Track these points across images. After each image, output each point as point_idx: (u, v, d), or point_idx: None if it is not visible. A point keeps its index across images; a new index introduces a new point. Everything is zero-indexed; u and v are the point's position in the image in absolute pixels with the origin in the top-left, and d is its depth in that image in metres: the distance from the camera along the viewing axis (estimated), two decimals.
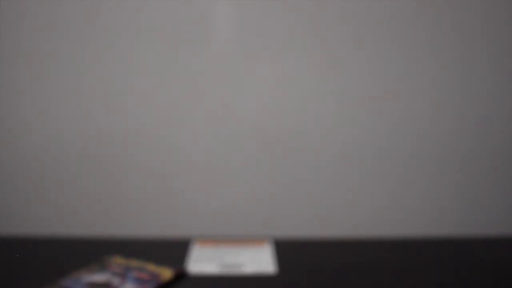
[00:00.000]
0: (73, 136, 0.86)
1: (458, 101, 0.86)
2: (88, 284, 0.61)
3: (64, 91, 0.85)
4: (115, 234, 0.88)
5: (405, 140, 0.86)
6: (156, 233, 0.88)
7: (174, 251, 0.75)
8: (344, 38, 0.84)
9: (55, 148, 0.86)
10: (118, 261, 0.69)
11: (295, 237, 0.88)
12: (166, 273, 0.64)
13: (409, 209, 0.88)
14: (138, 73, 0.84)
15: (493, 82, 0.85)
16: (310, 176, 0.87)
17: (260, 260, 0.71)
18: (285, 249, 0.76)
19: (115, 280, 0.62)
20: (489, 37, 0.84)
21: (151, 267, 0.67)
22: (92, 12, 0.83)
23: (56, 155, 0.86)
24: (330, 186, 0.87)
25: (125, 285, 0.61)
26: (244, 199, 0.87)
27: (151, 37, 0.84)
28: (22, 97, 0.85)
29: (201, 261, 0.71)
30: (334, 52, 0.84)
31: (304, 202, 0.87)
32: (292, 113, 0.85)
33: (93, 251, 0.75)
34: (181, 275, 0.65)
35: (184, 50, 0.84)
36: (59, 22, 0.83)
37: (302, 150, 0.86)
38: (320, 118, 0.85)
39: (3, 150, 0.86)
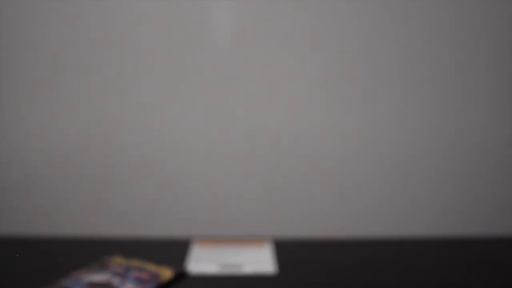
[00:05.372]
0: (73, 136, 0.86)
1: (458, 101, 0.86)
2: (88, 284, 0.61)
3: (65, 91, 0.85)
4: (115, 234, 0.88)
5: (406, 140, 0.86)
6: (156, 233, 0.88)
7: (174, 251, 0.75)
8: (344, 39, 0.84)
9: (55, 148, 0.86)
10: (118, 261, 0.69)
11: (295, 237, 0.88)
12: (166, 273, 0.64)
13: (409, 209, 0.88)
14: (138, 73, 0.84)
15: (493, 84, 0.85)
16: (310, 176, 0.87)
17: (260, 260, 0.71)
18: (285, 249, 0.76)
19: (115, 280, 0.62)
20: (488, 40, 0.84)
21: (151, 267, 0.67)
22: (92, 13, 0.83)
23: (56, 155, 0.86)
24: (330, 186, 0.87)
25: (125, 285, 0.61)
26: (244, 199, 0.87)
27: (151, 38, 0.84)
28: (23, 97, 0.85)
29: (201, 261, 0.71)
30: (335, 53, 0.84)
31: (304, 202, 0.87)
32: (293, 114, 0.85)
33: (93, 251, 0.75)
34: (181, 275, 0.65)
35: (184, 51, 0.84)
36: (61, 24, 0.83)
37: (302, 150, 0.86)
38: (320, 118, 0.85)
39: (4, 150, 0.86)
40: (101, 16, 0.83)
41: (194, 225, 0.88)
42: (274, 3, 0.83)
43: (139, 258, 0.72)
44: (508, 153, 0.87)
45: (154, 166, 0.86)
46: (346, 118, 0.85)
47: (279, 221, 0.87)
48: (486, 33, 0.84)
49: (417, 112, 0.86)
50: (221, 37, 0.84)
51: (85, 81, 0.85)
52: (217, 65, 0.84)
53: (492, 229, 0.88)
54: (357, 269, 0.68)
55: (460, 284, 0.63)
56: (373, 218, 0.88)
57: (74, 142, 0.86)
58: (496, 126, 0.86)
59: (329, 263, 0.70)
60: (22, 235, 0.88)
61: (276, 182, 0.87)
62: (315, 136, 0.86)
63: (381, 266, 0.69)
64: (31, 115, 0.85)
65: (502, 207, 0.88)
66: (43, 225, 0.88)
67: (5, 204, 0.87)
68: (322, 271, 0.67)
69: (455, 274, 0.66)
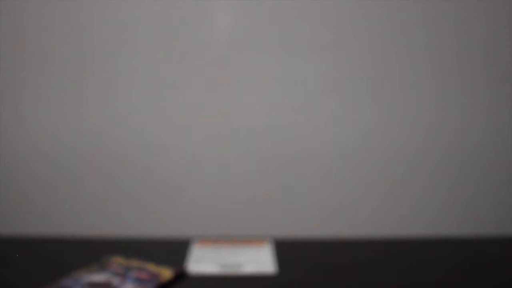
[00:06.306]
0: (73, 136, 0.86)
1: (458, 101, 0.86)
2: (88, 284, 0.61)
3: (65, 90, 0.85)
4: (115, 234, 0.88)
5: (406, 140, 0.86)
6: (156, 233, 0.88)
7: (174, 251, 0.75)
8: (344, 39, 0.84)
9: (55, 148, 0.86)
10: (118, 261, 0.69)
11: (295, 237, 0.88)
12: (166, 273, 0.64)
13: (409, 209, 0.88)
14: (138, 74, 0.84)
15: (493, 84, 0.85)
16: (310, 176, 0.87)
17: (260, 260, 0.71)
18: (285, 249, 0.76)
19: (115, 280, 0.62)
20: (488, 40, 0.84)
21: (151, 267, 0.67)
22: (91, 14, 0.83)
23: (56, 155, 0.86)
24: (330, 186, 0.87)
25: (125, 285, 0.61)
26: (244, 199, 0.87)
27: (151, 38, 0.84)
28: (23, 97, 0.85)
29: (201, 261, 0.71)
30: (335, 53, 0.84)
31: (304, 202, 0.87)
32: (293, 114, 0.85)
33: (93, 251, 0.75)
34: (181, 275, 0.65)
35: (184, 51, 0.84)
36: (61, 24, 0.83)
37: (302, 150, 0.86)
38: (320, 118, 0.85)
39: (4, 150, 0.86)
40: (100, 16, 0.83)
41: (194, 225, 0.88)
42: (274, 3, 0.83)
43: (139, 258, 0.72)
44: (508, 153, 0.87)
45: (154, 166, 0.86)
46: (346, 118, 0.85)
47: (279, 221, 0.87)
48: (486, 33, 0.84)
49: (417, 112, 0.86)
50: (221, 37, 0.84)
51: (84, 82, 0.85)
52: (217, 65, 0.84)
53: (492, 229, 0.88)
54: (357, 269, 0.68)
55: (460, 284, 0.63)
56: (373, 218, 0.88)
57: (74, 142, 0.86)
58: (496, 126, 0.86)
59: (329, 263, 0.70)
60: (22, 235, 0.88)
61: (276, 182, 0.87)
62: (315, 136, 0.86)
63: (381, 266, 0.69)
64: (31, 115, 0.85)
65: (502, 207, 0.88)
66: (43, 225, 0.88)
67: (5, 204, 0.87)
68: (322, 271, 0.67)
69: (455, 274, 0.66)
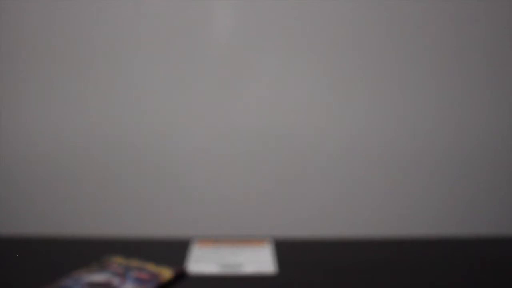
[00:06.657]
0: (73, 136, 0.86)
1: (458, 101, 0.86)
2: (88, 284, 0.61)
3: (65, 90, 0.85)
4: (115, 234, 0.88)
5: (406, 140, 0.86)
6: (156, 233, 0.88)
7: (174, 251, 0.75)
8: (344, 38, 0.84)
9: (55, 148, 0.86)
10: (118, 261, 0.69)
11: (295, 237, 0.88)
12: (166, 273, 0.64)
13: (409, 209, 0.88)
14: (137, 74, 0.84)
15: (493, 84, 0.85)
16: (310, 176, 0.87)
17: (260, 260, 0.71)
18: (285, 249, 0.76)
19: (115, 280, 0.62)
20: (488, 40, 0.84)
21: (151, 267, 0.67)
22: (91, 13, 0.83)
23: (56, 155, 0.86)
24: (330, 186, 0.87)
25: (125, 285, 0.61)
26: (244, 199, 0.87)
27: (152, 38, 0.84)
28: (23, 97, 0.85)
29: (201, 261, 0.71)
30: (335, 53, 0.84)
31: (304, 202, 0.87)
32: (293, 113, 0.85)
33: (93, 251, 0.75)
34: (181, 275, 0.65)
35: (185, 50, 0.84)
36: (61, 23, 0.83)
37: (302, 150, 0.86)
38: (320, 118, 0.85)
39: (4, 150, 0.86)
40: (100, 16, 0.83)
41: (194, 225, 0.88)
42: (274, 3, 0.83)
43: (139, 258, 0.72)
44: (508, 153, 0.87)
45: (154, 166, 0.86)
46: (346, 118, 0.85)
47: (279, 221, 0.87)
48: (486, 33, 0.84)
49: (417, 112, 0.86)
50: (221, 37, 0.84)
51: (85, 81, 0.85)
52: (217, 65, 0.84)
53: (492, 229, 0.88)
54: (357, 269, 0.68)
55: (460, 284, 0.63)
56: (373, 218, 0.88)
57: (74, 142, 0.86)
58: (496, 126, 0.86)
59: (329, 263, 0.70)
60: (22, 235, 0.88)
61: (276, 182, 0.87)
62: (315, 136, 0.86)
63: (381, 266, 0.69)
64: (31, 115, 0.85)
65: (502, 207, 0.88)
66: (43, 225, 0.88)
67: (5, 204, 0.87)
68: (322, 271, 0.67)
69: (455, 274, 0.66)
